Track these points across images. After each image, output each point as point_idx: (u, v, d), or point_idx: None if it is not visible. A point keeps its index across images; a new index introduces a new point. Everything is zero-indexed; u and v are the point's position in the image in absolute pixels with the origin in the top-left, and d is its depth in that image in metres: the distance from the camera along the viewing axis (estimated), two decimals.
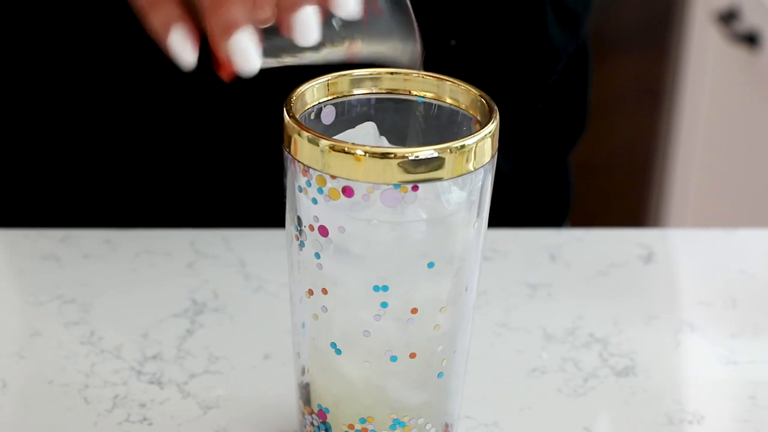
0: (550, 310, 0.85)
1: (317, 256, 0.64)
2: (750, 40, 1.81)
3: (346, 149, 0.61)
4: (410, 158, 0.61)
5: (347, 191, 0.62)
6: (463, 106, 0.68)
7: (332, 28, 0.68)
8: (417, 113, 0.69)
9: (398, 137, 0.68)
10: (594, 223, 1.05)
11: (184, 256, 0.88)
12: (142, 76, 0.90)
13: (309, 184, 0.63)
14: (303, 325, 0.67)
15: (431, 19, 0.87)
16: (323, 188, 0.62)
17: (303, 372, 0.68)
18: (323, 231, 0.63)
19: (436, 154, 0.61)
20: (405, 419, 0.67)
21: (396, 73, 0.69)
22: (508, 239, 0.93)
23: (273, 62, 0.67)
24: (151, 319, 0.82)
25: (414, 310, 0.64)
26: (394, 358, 0.65)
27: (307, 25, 0.65)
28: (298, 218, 0.64)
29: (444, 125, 0.68)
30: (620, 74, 2.35)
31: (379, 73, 0.69)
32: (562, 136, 1.01)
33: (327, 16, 0.67)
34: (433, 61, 0.88)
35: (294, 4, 0.65)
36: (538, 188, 1.02)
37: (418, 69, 0.69)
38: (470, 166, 0.63)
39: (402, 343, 0.65)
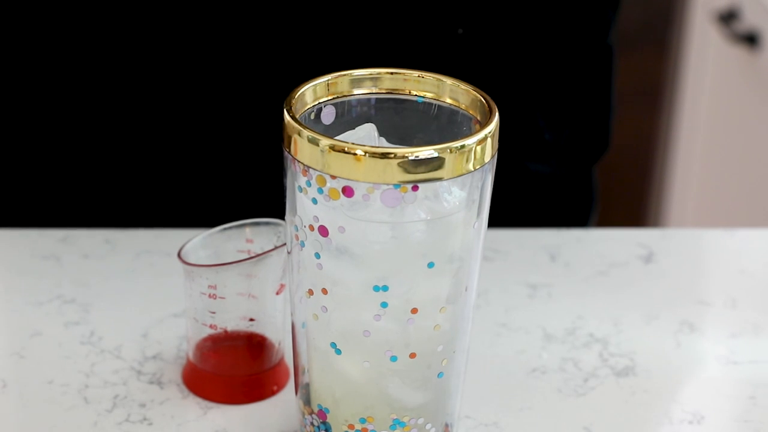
0: (550, 310, 0.85)
1: (317, 256, 0.64)
2: (750, 40, 1.81)
3: (346, 149, 0.61)
4: (410, 158, 0.61)
5: (347, 191, 0.62)
6: (463, 106, 0.68)
7: None
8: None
9: (399, 137, 0.68)
10: (594, 223, 1.05)
11: None
12: (143, 76, 0.90)
13: (309, 184, 0.63)
14: (303, 325, 0.67)
15: (440, 6, 0.87)
16: (323, 188, 0.62)
17: (303, 372, 0.68)
18: (323, 231, 0.63)
19: (436, 154, 0.61)
20: (405, 419, 0.67)
21: (396, 73, 0.69)
22: (508, 239, 0.93)
23: None
24: (151, 319, 0.82)
25: (414, 310, 0.64)
26: (394, 358, 0.65)
27: None
28: (299, 218, 0.64)
29: (444, 125, 0.68)
30: (620, 74, 2.34)
31: (379, 73, 0.69)
32: (571, 141, 1.00)
33: None
34: (439, 50, 0.87)
35: None
36: (555, 195, 1.02)
37: None
38: (470, 166, 0.62)
39: (402, 343, 0.65)
